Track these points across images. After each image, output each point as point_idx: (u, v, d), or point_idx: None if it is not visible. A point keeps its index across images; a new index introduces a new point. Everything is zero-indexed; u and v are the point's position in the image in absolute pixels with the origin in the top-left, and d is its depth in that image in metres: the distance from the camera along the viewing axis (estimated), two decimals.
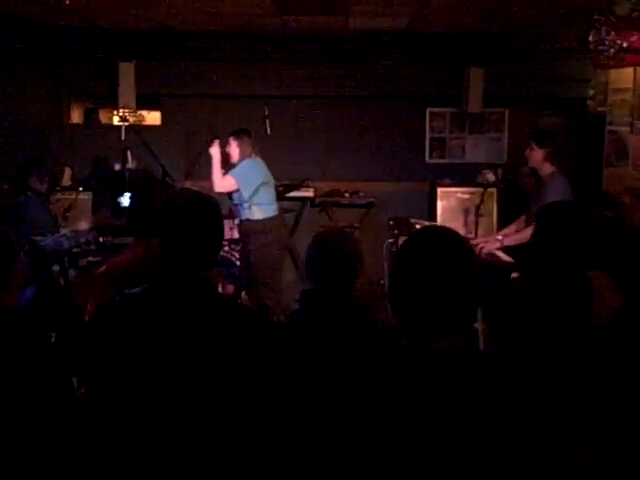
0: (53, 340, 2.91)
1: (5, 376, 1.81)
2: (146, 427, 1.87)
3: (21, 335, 1.89)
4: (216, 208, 2.07)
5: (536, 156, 4.68)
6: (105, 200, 6.67)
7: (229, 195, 5.73)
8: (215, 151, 5.52)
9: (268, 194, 5.62)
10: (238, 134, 5.58)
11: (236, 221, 5.96)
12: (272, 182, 5.76)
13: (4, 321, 1.89)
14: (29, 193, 5.32)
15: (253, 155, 5.59)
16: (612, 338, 2.00)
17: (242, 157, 5.52)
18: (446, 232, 1.66)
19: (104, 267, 2.73)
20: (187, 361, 1.87)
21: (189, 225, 1.99)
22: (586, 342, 1.96)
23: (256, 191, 5.47)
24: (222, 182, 5.45)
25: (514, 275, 3.27)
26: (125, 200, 6.00)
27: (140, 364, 1.89)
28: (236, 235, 6.18)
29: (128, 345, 1.90)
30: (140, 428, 1.87)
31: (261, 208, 5.50)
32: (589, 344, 1.96)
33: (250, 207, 5.48)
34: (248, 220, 5.51)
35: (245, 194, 5.45)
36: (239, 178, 5.45)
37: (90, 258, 4.98)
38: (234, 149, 5.52)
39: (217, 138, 5.57)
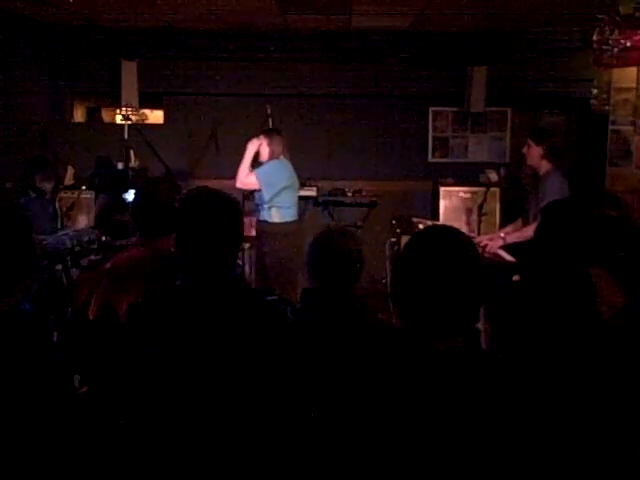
0: (55, 339, 2.92)
1: (5, 376, 1.81)
2: (171, 424, 1.87)
3: (21, 335, 1.89)
4: (237, 206, 2.06)
5: (534, 153, 4.67)
6: (108, 199, 6.67)
7: (250, 193, 5.67)
8: (252, 147, 5.42)
9: (289, 198, 5.51)
10: (269, 133, 5.50)
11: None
12: (296, 186, 5.67)
13: (5, 320, 1.88)
14: (31, 193, 5.32)
15: (282, 156, 5.48)
16: (613, 336, 1.99)
17: (271, 157, 5.42)
18: (450, 231, 1.66)
19: (109, 264, 2.73)
20: (222, 360, 1.88)
21: (212, 223, 1.99)
22: (588, 340, 1.96)
23: (278, 194, 5.37)
24: (245, 179, 5.38)
25: (516, 278, 3.26)
26: (130, 196, 5.99)
27: (173, 361, 1.89)
28: None
29: (161, 345, 1.90)
30: (167, 426, 1.87)
31: (280, 211, 5.40)
32: (591, 342, 1.96)
33: (270, 209, 5.39)
34: (265, 222, 5.43)
35: (266, 195, 5.35)
36: (263, 178, 5.35)
37: (92, 257, 4.99)
38: (264, 148, 5.42)
39: (264, 135, 5.50)
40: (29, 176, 5.39)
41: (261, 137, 5.45)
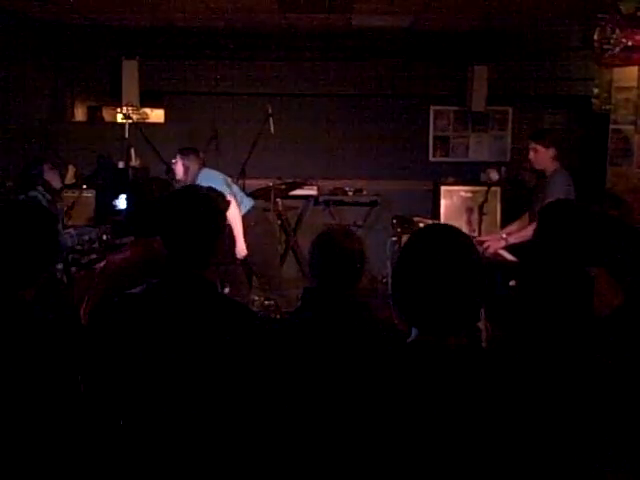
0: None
1: (21, 371, 1.82)
2: (146, 425, 1.87)
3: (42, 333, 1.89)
4: (214, 205, 2.07)
5: (543, 157, 4.65)
6: (108, 198, 6.68)
7: None
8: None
9: (239, 190, 5.52)
10: (184, 151, 5.36)
11: None
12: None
13: (24, 315, 1.89)
14: (33, 191, 5.30)
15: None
16: (612, 335, 2.00)
17: (186, 174, 5.25)
18: (449, 230, 1.66)
19: (102, 265, 2.74)
20: (185, 360, 1.88)
21: (182, 222, 2.02)
22: (587, 339, 1.96)
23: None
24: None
25: (512, 283, 3.27)
26: (122, 203, 6.00)
27: (138, 364, 1.90)
28: None
29: (126, 344, 1.91)
30: (140, 426, 1.87)
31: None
32: (590, 341, 1.96)
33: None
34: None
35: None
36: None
37: (93, 256, 4.99)
38: (179, 167, 5.28)
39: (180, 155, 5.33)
40: (35, 173, 5.34)
41: (177, 157, 5.31)
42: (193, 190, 2.16)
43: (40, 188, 5.26)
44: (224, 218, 2.13)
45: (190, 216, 2.02)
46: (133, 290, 2.03)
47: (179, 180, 5.26)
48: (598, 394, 1.78)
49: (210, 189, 2.17)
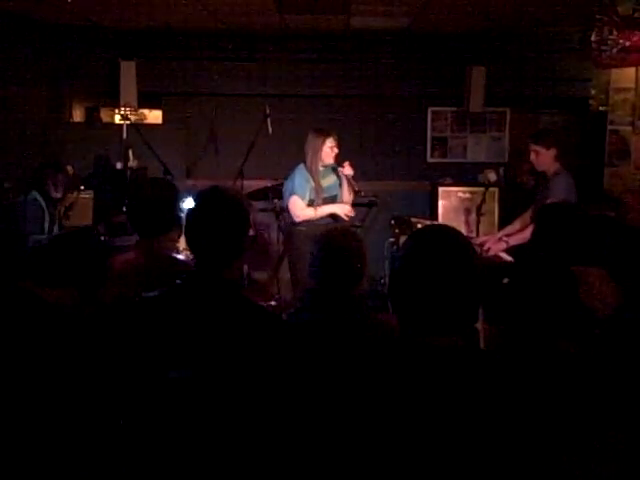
0: None
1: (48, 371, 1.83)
2: (163, 427, 1.87)
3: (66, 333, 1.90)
4: (240, 205, 2.06)
5: (545, 158, 4.65)
6: (107, 199, 6.67)
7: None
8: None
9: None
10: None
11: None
12: None
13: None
14: (33, 194, 5.29)
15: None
16: (610, 334, 2.00)
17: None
18: (447, 230, 1.66)
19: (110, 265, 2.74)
20: (204, 362, 1.87)
21: (206, 223, 2.01)
22: (583, 339, 1.96)
23: None
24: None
25: (505, 280, 3.27)
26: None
27: (158, 364, 1.89)
28: None
29: (146, 346, 1.90)
30: (157, 428, 1.87)
31: None
32: (586, 341, 1.97)
33: None
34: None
35: None
36: None
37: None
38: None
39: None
40: (39, 179, 5.35)
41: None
42: (221, 190, 2.13)
43: (39, 191, 5.28)
44: (248, 220, 2.10)
45: (216, 217, 2.01)
46: (151, 293, 2.02)
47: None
48: (591, 394, 1.78)
49: (236, 190, 2.16)
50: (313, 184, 5.03)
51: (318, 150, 5.02)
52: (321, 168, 5.06)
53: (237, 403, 1.88)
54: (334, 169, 5.13)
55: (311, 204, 5.03)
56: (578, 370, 1.87)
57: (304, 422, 1.84)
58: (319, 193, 5.04)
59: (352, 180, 5.07)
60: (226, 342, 1.90)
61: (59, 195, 5.43)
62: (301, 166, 5.10)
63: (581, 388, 1.81)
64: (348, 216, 5.09)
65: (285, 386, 1.99)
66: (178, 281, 2.00)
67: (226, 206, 2.03)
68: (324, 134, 5.03)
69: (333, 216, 5.07)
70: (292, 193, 5.01)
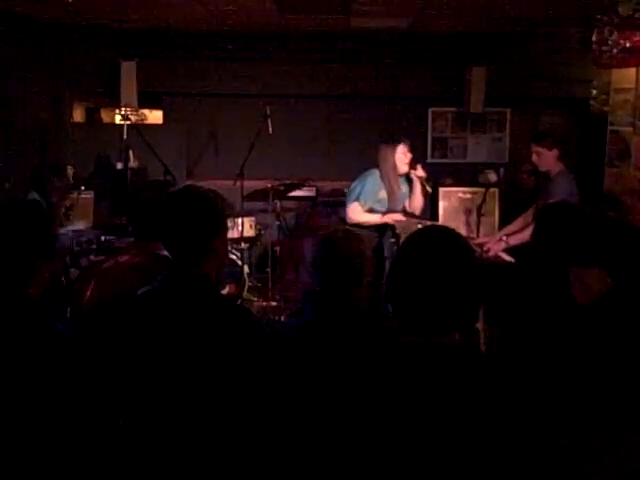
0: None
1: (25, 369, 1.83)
2: (144, 427, 1.87)
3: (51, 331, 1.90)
4: (210, 204, 2.07)
5: (547, 159, 4.65)
6: (107, 199, 6.67)
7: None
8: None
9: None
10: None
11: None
12: None
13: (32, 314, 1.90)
14: (32, 194, 5.29)
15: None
16: (597, 322, 2.00)
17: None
18: (445, 231, 1.67)
19: (101, 267, 2.74)
20: (180, 361, 1.89)
21: (179, 220, 2.03)
22: (572, 329, 1.97)
23: None
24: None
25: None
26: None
27: (138, 365, 1.90)
28: (236, 235, 6.19)
29: (128, 346, 1.91)
30: (141, 428, 1.87)
31: None
32: (575, 330, 1.97)
33: None
34: None
35: None
36: None
37: (92, 257, 4.99)
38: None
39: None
40: (39, 181, 5.34)
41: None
42: (191, 189, 2.17)
43: (38, 192, 5.27)
44: (223, 217, 2.12)
45: (186, 214, 2.03)
46: (140, 290, 2.04)
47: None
48: (587, 394, 1.78)
49: (210, 190, 2.18)
50: (383, 194, 5.01)
51: (390, 160, 4.99)
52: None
53: (217, 400, 1.88)
54: (408, 179, 5.10)
55: (370, 212, 5.03)
56: (573, 371, 1.87)
57: (300, 422, 1.85)
58: (394, 201, 5.03)
59: (425, 182, 5.02)
60: (198, 338, 1.91)
61: (55, 200, 5.44)
62: (375, 172, 5.07)
63: (578, 388, 1.81)
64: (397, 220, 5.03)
65: (270, 385, 1.99)
66: (160, 279, 2.02)
67: (196, 205, 2.05)
68: (394, 143, 5.01)
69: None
70: (357, 199, 5.00)
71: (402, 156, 4.97)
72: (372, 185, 5.01)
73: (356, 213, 5.01)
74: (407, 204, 5.13)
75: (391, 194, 4.99)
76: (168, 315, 1.94)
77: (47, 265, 1.99)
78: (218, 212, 2.09)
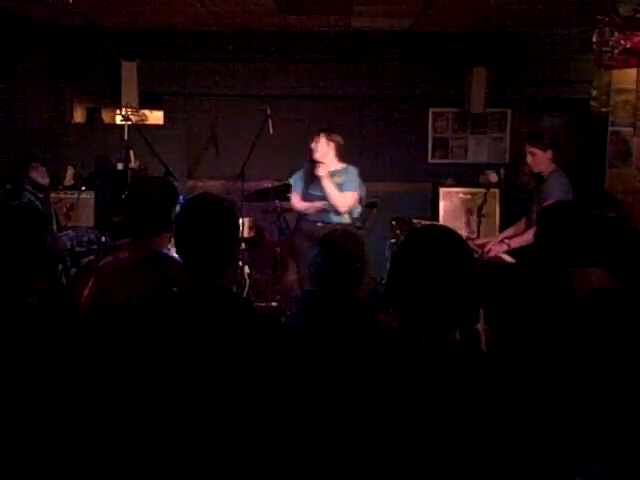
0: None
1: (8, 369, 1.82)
2: (156, 431, 1.87)
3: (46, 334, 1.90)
4: (230, 212, 2.06)
5: (542, 160, 4.64)
6: (107, 199, 6.68)
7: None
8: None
9: None
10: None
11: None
12: None
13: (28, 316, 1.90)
14: (26, 194, 5.28)
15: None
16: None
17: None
18: (443, 230, 1.67)
19: (98, 265, 2.74)
20: (201, 368, 1.87)
21: (197, 231, 2.00)
22: (573, 340, 1.96)
23: None
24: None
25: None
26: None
27: (153, 371, 1.88)
28: None
29: (143, 351, 1.90)
30: (149, 432, 1.87)
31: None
32: (577, 342, 1.96)
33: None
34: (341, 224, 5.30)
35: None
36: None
37: (92, 257, 4.99)
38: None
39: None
40: (22, 173, 5.33)
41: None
42: (208, 197, 2.13)
43: (29, 187, 5.25)
44: (238, 226, 2.11)
45: (211, 223, 2.00)
46: (147, 297, 2.01)
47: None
48: (594, 394, 1.78)
49: (225, 198, 2.15)
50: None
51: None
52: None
53: (237, 408, 1.87)
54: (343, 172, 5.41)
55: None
56: (577, 371, 1.87)
57: (303, 425, 1.84)
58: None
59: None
60: (227, 349, 1.89)
61: (47, 180, 5.42)
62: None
63: (580, 389, 1.80)
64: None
65: (284, 390, 1.98)
66: (174, 289, 2.00)
67: (217, 214, 2.03)
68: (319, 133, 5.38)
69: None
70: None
71: (314, 146, 5.26)
72: (298, 174, 5.48)
73: (294, 202, 5.44)
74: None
75: (309, 183, 5.34)
76: (196, 325, 1.91)
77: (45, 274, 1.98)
78: (236, 220, 2.08)
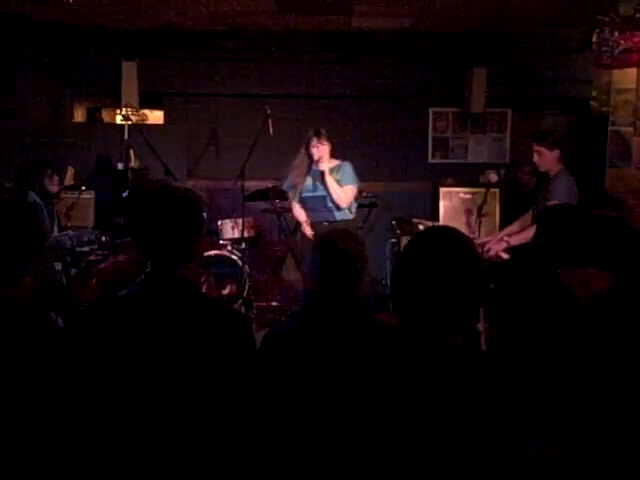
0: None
1: (15, 367, 1.82)
2: (130, 428, 1.86)
3: (34, 328, 1.90)
4: (191, 204, 2.04)
5: (548, 159, 4.63)
6: (107, 199, 6.68)
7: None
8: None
9: None
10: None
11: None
12: None
13: (15, 312, 1.89)
14: (31, 195, 5.29)
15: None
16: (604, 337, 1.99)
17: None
18: (450, 232, 1.66)
19: (99, 267, 2.75)
20: (164, 361, 1.86)
21: (153, 221, 1.98)
22: (574, 341, 1.96)
23: None
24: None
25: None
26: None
27: (123, 367, 1.87)
28: (237, 235, 6.19)
29: (111, 348, 1.89)
30: (130, 429, 1.86)
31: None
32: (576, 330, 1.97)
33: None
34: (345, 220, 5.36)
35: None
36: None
37: (92, 257, 4.99)
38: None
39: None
40: (34, 175, 5.34)
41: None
42: (171, 189, 2.13)
43: (36, 191, 5.27)
44: (202, 217, 2.10)
45: (172, 215, 1.98)
46: (120, 293, 2.00)
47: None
48: (588, 393, 1.78)
49: (188, 189, 2.16)
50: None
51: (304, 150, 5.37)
52: None
53: (204, 402, 1.87)
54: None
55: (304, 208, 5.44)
56: (575, 371, 1.87)
57: (297, 423, 1.85)
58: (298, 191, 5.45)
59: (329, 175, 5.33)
60: (187, 339, 1.89)
61: (57, 189, 5.44)
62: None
63: (580, 389, 1.81)
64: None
65: (264, 386, 1.98)
66: (139, 281, 1.99)
67: (177, 206, 2.01)
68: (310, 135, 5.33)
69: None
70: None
71: (315, 150, 5.25)
72: (291, 177, 5.42)
73: (294, 210, 5.45)
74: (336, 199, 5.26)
75: (297, 184, 5.34)
76: (156, 317, 1.91)
77: (37, 263, 1.97)
78: (200, 212, 2.07)
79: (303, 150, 5.30)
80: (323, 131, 5.27)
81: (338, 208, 5.27)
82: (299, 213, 5.40)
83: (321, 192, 5.26)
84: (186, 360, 1.87)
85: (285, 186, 5.50)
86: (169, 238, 1.97)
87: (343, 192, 5.23)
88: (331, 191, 5.20)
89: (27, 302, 1.94)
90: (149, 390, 1.86)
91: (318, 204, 5.29)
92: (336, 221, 5.28)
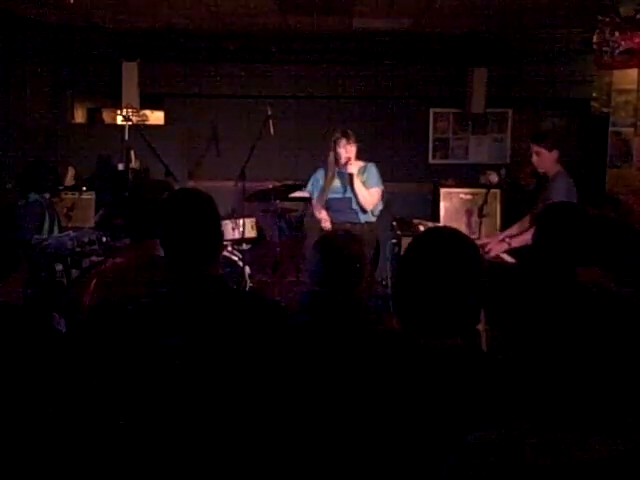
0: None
1: (8, 371, 1.82)
2: (162, 428, 1.86)
3: (25, 331, 1.90)
4: (211, 205, 2.06)
5: (547, 160, 4.62)
6: (108, 200, 6.67)
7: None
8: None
9: None
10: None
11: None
12: None
13: (6, 315, 1.90)
14: (32, 195, 5.29)
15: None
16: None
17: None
18: (452, 233, 1.66)
19: (101, 268, 2.75)
20: (212, 361, 1.86)
21: (184, 224, 1.99)
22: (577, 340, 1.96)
23: None
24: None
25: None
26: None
27: (160, 368, 1.87)
28: (237, 236, 6.19)
29: (148, 352, 1.88)
30: (156, 430, 1.86)
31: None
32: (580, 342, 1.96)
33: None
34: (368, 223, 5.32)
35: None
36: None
37: (93, 258, 4.99)
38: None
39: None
40: (34, 178, 5.34)
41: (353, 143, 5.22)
42: (192, 192, 2.15)
43: (33, 196, 5.27)
44: (219, 214, 2.12)
45: (199, 216, 2.01)
46: (143, 299, 2.00)
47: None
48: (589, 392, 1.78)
49: (198, 190, 2.16)
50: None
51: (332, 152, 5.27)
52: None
53: (240, 398, 1.87)
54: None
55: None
56: (575, 371, 1.87)
57: (305, 422, 1.84)
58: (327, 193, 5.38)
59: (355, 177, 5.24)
60: (233, 339, 1.89)
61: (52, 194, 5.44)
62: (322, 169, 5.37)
63: (580, 389, 1.80)
64: None
65: (286, 385, 1.98)
66: (163, 289, 1.98)
67: (202, 207, 2.03)
68: (337, 136, 5.23)
69: None
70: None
71: (343, 151, 5.15)
72: (317, 178, 5.39)
73: (315, 209, 5.37)
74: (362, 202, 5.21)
75: (326, 186, 5.28)
76: (206, 318, 1.90)
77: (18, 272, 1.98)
78: (217, 210, 2.09)
79: (331, 152, 5.21)
80: (350, 132, 5.20)
81: (363, 211, 5.21)
82: (322, 213, 5.29)
83: (349, 194, 5.22)
84: (236, 358, 1.87)
85: (309, 187, 5.46)
86: (198, 239, 1.99)
87: (369, 194, 5.18)
88: (358, 194, 5.15)
89: (18, 305, 1.94)
90: (197, 387, 1.86)
91: (344, 206, 5.23)
92: (360, 223, 5.23)
